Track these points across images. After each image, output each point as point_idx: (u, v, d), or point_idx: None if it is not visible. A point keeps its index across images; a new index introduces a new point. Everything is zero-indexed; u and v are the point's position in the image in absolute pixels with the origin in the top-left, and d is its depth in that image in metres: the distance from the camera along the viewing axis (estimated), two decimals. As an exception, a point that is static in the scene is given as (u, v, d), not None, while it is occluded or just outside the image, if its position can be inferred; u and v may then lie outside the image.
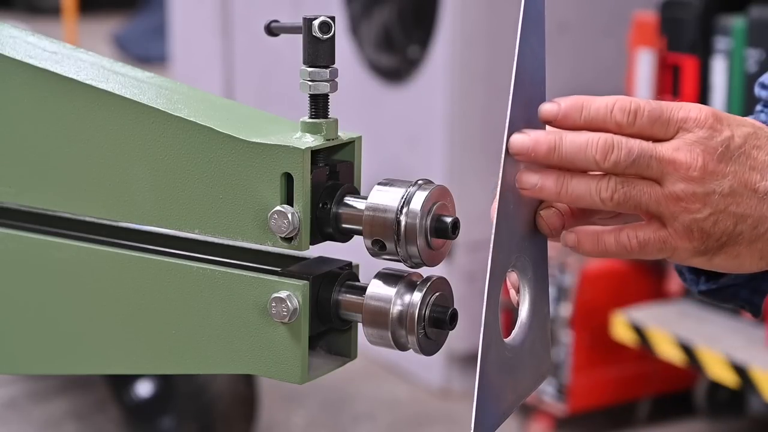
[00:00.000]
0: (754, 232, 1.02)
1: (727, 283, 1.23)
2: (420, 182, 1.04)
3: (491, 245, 0.98)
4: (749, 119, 1.04)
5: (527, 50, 1.00)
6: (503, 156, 0.99)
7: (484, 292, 0.96)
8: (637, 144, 0.99)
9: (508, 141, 0.99)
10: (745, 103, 3.41)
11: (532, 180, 1.00)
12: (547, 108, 1.00)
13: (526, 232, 1.03)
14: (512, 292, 1.08)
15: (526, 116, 1.01)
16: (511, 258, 1.01)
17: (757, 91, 1.38)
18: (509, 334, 1.04)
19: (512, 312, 1.06)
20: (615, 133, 1.00)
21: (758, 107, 1.38)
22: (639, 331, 3.59)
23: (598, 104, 1.00)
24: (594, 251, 1.04)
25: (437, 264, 1.06)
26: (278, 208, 1.04)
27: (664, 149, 0.99)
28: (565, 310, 3.71)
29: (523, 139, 0.99)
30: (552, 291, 3.74)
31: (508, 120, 0.99)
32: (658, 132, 1.00)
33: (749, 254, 1.04)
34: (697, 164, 0.99)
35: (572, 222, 1.06)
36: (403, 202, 1.02)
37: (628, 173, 1.00)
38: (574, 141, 0.99)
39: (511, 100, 0.98)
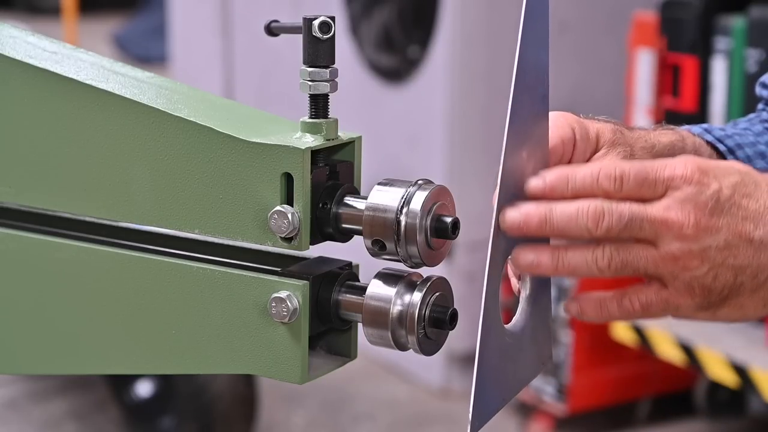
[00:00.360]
0: (754, 281, 1.01)
1: None
2: (420, 182, 1.04)
3: (491, 231, 0.98)
4: (734, 165, 1.03)
5: (530, 39, 1.00)
6: (504, 143, 0.99)
7: (484, 277, 0.97)
8: (627, 208, 0.98)
9: (508, 133, 0.99)
10: (745, 103, 3.41)
11: (528, 258, 1.00)
12: (533, 184, 1.00)
13: None
14: (513, 280, 1.08)
15: (529, 104, 1.01)
16: (512, 245, 1.02)
17: (758, 90, 1.39)
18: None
19: (510, 311, 1.07)
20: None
21: (760, 106, 1.38)
22: (639, 331, 3.59)
23: (583, 174, 1.00)
24: (598, 318, 1.05)
25: (437, 264, 1.06)
26: (278, 208, 1.04)
27: (655, 210, 0.98)
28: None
29: (514, 215, 0.99)
30: (552, 291, 3.73)
31: (510, 107, 0.99)
32: (647, 193, 0.99)
33: (752, 304, 1.03)
34: (690, 222, 0.98)
35: None
36: (403, 202, 1.02)
37: (622, 238, 0.99)
38: (564, 212, 0.99)
39: (514, 85, 0.99)
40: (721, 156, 1.25)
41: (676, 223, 0.98)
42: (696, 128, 1.26)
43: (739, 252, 1.00)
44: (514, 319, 1.05)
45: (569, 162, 1.10)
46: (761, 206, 1.01)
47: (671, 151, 1.17)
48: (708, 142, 1.24)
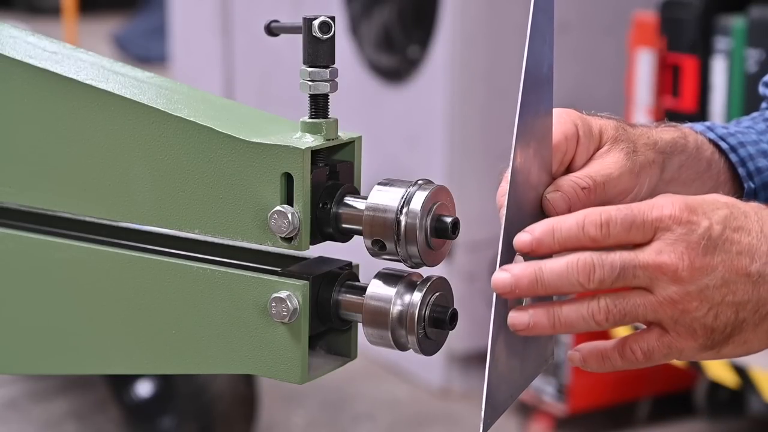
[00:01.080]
0: (756, 315, 1.00)
1: None
2: (420, 182, 1.04)
3: (502, 226, 0.98)
4: (719, 198, 1.01)
5: (538, 36, 1.00)
6: (514, 140, 0.98)
7: (496, 269, 0.96)
8: (618, 257, 0.97)
9: (518, 123, 0.98)
10: (745, 103, 3.41)
11: (523, 320, 0.98)
12: (521, 240, 0.98)
13: (533, 213, 1.04)
14: None
15: (536, 101, 1.01)
16: None
17: (762, 89, 1.38)
18: None
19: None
20: (593, 249, 0.98)
21: (764, 104, 1.38)
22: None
23: (569, 224, 0.98)
24: (601, 369, 1.04)
25: (437, 264, 1.06)
26: (278, 208, 1.04)
27: (647, 255, 0.97)
28: (565, 310, 3.70)
29: (504, 277, 0.97)
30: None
31: (519, 104, 0.99)
32: (636, 237, 0.97)
33: (756, 338, 1.01)
34: (684, 264, 0.96)
35: (579, 205, 1.05)
36: (403, 202, 1.02)
37: (616, 287, 0.97)
38: (554, 270, 0.97)
39: (522, 82, 0.98)
40: (723, 154, 1.24)
41: (671, 266, 0.96)
42: (699, 126, 1.26)
43: (737, 288, 0.98)
44: None
45: (573, 158, 1.10)
46: (754, 239, 0.99)
47: (673, 148, 1.17)
48: (710, 140, 1.24)
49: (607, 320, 0.98)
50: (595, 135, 1.11)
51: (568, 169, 1.10)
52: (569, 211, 1.04)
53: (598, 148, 1.12)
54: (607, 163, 1.10)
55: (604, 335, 1.06)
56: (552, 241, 0.98)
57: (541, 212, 1.05)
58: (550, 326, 0.99)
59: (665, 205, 0.98)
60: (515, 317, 0.98)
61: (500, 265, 0.98)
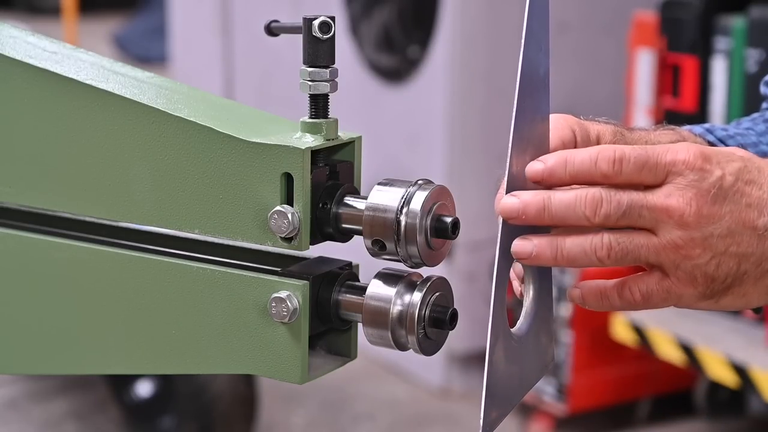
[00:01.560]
0: (758, 269, 1.00)
1: None
2: (420, 182, 1.04)
3: (498, 234, 0.98)
4: (737, 152, 1.02)
5: (533, 41, 1.00)
6: (510, 145, 0.99)
7: (493, 279, 0.97)
8: (626, 195, 0.97)
9: (514, 130, 0.99)
10: (745, 103, 3.41)
11: (527, 248, 0.99)
12: (533, 168, 0.99)
13: None
14: (515, 283, 1.08)
15: (532, 106, 1.01)
16: None
17: (763, 89, 1.38)
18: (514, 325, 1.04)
19: (513, 312, 1.07)
20: (603, 185, 0.98)
21: (764, 105, 1.38)
22: (639, 331, 3.59)
23: (582, 157, 0.99)
24: (599, 307, 1.04)
25: (437, 264, 1.06)
26: (278, 208, 1.04)
27: (656, 197, 0.97)
28: (565, 310, 3.71)
29: (513, 202, 0.98)
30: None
31: (515, 109, 0.99)
32: (647, 178, 0.98)
33: (756, 292, 1.02)
34: (692, 209, 0.97)
35: None
36: (403, 202, 1.02)
37: (621, 225, 0.98)
38: (562, 200, 0.98)
39: (518, 87, 0.98)
40: None
41: (677, 210, 0.97)
42: (698, 128, 1.26)
43: (742, 240, 0.99)
44: (519, 322, 1.05)
45: None
46: (765, 193, 0.99)
47: None
48: (710, 143, 1.24)
49: (608, 257, 0.98)
50: (593, 140, 1.11)
51: None
52: None
53: None
54: None
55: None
56: (564, 172, 0.99)
57: None
58: (552, 257, 0.99)
59: (680, 150, 0.98)
60: (519, 245, 0.99)
61: (497, 274, 0.98)
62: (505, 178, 0.99)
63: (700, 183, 0.97)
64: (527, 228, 1.01)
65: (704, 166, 0.98)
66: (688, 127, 1.26)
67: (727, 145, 1.25)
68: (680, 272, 0.99)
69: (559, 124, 1.09)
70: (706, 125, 1.27)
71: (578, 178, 0.99)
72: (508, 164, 0.99)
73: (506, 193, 0.99)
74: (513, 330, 1.03)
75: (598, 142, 1.11)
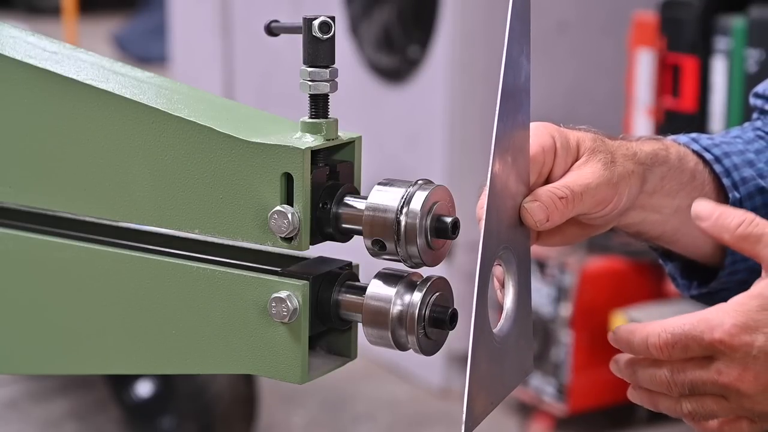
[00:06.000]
0: None
1: (718, 287, 1.23)
2: (420, 182, 1.04)
3: (481, 236, 0.99)
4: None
5: (515, 49, 1.01)
6: (492, 145, 0.99)
7: (475, 279, 0.97)
8: (689, 375, 1.05)
9: (496, 134, 1.00)
10: (745, 103, 3.41)
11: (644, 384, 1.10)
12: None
13: (511, 224, 1.05)
14: (497, 284, 1.09)
15: (513, 112, 1.03)
16: (499, 248, 1.03)
17: (752, 100, 1.39)
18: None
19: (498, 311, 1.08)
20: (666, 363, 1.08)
21: (754, 115, 1.39)
22: (639, 331, 3.58)
23: (638, 342, 1.07)
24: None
25: (437, 264, 1.06)
26: (278, 208, 1.04)
27: (711, 375, 1.04)
28: (565, 310, 3.71)
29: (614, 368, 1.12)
30: (552, 291, 3.74)
31: (496, 118, 1.00)
32: (696, 354, 1.05)
33: None
34: (746, 383, 1.04)
35: (557, 215, 1.07)
36: (403, 202, 1.03)
37: (696, 395, 1.07)
38: (645, 378, 1.08)
39: (500, 94, 1.00)
40: (708, 164, 1.24)
41: (732, 386, 1.04)
42: (683, 138, 1.26)
43: None
44: (500, 323, 1.06)
45: (551, 170, 1.11)
46: None
47: (654, 160, 1.17)
48: (694, 152, 1.24)
49: (693, 419, 1.08)
50: (573, 147, 1.12)
51: (547, 181, 1.11)
52: (548, 220, 1.06)
53: (576, 160, 1.12)
54: (584, 174, 1.10)
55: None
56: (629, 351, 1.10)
57: (519, 222, 1.06)
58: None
59: (715, 328, 1.03)
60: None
61: (480, 275, 0.98)
62: (488, 180, 1.00)
63: (746, 358, 1.03)
64: (509, 228, 1.03)
65: (743, 339, 1.02)
66: (672, 137, 1.26)
67: (712, 153, 1.25)
68: (762, 417, 1.07)
69: (539, 131, 1.10)
70: (692, 135, 1.27)
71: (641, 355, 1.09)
72: (490, 164, 1.00)
73: (487, 192, 1.00)
74: (495, 331, 1.04)
75: (578, 149, 1.12)
